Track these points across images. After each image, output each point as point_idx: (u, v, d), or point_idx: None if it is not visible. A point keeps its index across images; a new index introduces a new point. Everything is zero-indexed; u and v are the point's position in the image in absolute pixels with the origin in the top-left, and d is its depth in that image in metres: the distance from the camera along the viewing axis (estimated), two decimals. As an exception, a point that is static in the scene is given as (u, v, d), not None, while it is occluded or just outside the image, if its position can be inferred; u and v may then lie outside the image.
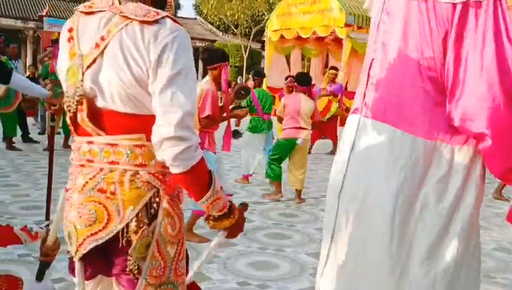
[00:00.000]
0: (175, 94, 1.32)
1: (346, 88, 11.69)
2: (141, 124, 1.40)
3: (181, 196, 1.51)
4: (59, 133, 7.61)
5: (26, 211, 4.53)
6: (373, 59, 2.15)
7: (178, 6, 31.77)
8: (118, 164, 1.40)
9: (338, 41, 19.65)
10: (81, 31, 1.45)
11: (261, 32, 25.85)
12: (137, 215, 1.39)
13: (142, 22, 1.36)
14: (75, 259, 1.45)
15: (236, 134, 6.46)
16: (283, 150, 5.69)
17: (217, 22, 27.06)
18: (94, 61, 1.39)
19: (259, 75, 7.04)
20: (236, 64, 26.97)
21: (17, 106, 7.50)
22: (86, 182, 1.42)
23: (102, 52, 1.38)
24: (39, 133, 9.52)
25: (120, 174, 1.40)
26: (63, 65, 1.48)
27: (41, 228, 1.84)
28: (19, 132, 8.31)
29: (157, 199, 1.42)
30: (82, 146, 1.46)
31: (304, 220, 4.97)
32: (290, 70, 20.06)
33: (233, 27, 26.06)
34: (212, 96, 3.96)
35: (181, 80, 1.34)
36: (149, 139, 1.38)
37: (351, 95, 7.09)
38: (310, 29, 17.11)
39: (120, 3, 1.42)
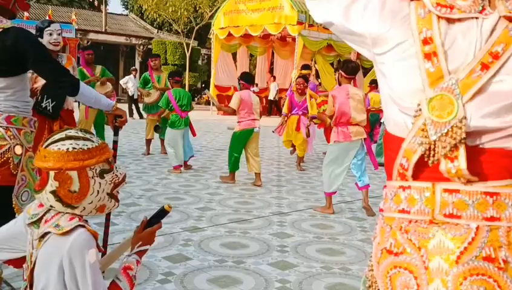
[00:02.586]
0: None
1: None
2: None
3: None
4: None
5: None
6: None
7: (106, 2, 30.58)
8: (499, 220, 1.08)
9: (282, 39, 19.86)
10: (447, 44, 1.10)
11: (199, 30, 25.49)
12: None
13: None
14: None
15: (158, 129, 7.72)
16: (240, 141, 6.47)
17: (157, 19, 26.30)
18: (481, 89, 1.07)
19: (176, 75, 7.46)
20: (176, 62, 26.33)
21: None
22: (466, 248, 1.08)
23: (494, 75, 1.06)
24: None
25: (505, 233, 1.08)
26: (412, 91, 1.13)
27: None
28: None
29: None
30: (434, 196, 1.12)
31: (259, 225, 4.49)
32: (236, 69, 20.01)
33: (174, 24, 25.42)
34: None
35: None
36: None
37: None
38: (260, 27, 17.09)
39: (489, 3, 1.10)
